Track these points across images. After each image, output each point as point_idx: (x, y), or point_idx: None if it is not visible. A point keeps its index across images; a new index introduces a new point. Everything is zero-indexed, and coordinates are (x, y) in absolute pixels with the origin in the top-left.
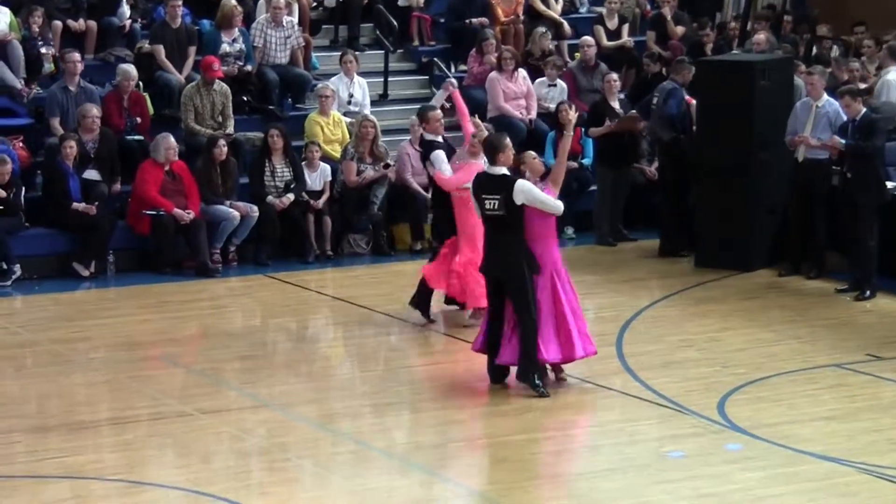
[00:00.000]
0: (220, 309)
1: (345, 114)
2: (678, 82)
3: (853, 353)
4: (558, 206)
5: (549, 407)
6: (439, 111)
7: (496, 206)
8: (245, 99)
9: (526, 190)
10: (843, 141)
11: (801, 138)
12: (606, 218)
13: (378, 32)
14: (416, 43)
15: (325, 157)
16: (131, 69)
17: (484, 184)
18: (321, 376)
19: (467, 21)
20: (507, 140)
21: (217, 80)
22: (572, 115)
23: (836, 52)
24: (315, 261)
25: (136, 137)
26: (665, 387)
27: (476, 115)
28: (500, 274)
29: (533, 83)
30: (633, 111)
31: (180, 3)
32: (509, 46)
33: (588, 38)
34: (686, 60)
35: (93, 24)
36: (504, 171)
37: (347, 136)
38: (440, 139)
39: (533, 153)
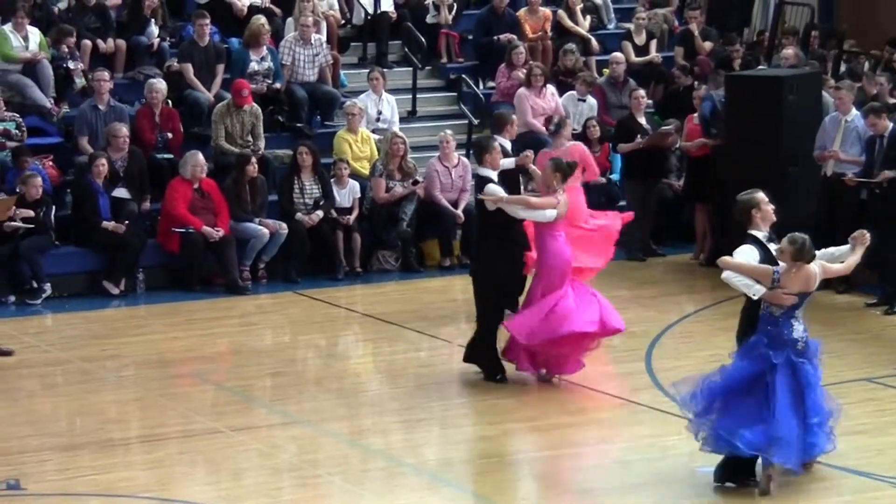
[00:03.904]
0: (249, 326)
1: (373, 131)
2: None
3: (883, 368)
4: (524, 213)
5: (580, 423)
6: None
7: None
8: (279, 119)
9: (491, 192)
10: (893, 173)
11: (831, 153)
12: (636, 233)
13: (406, 49)
14: (444, 60)
15: (354, 174)
16: (158, 82)
17: (477, 184)
18: (351, 393)
19: (495, 38)
20: (496, 143)
21: None
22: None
23: (867, 67)
24: (344, 277)
25: (166, 156)
26: None
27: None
28: (476, 268)
29: (561, 98)
30: (670, 126)
31: (208, 21)
32: (538, 62)
33: (617, 55)
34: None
35: (122, 42)
36: (488, 172)
37: (376, 152)
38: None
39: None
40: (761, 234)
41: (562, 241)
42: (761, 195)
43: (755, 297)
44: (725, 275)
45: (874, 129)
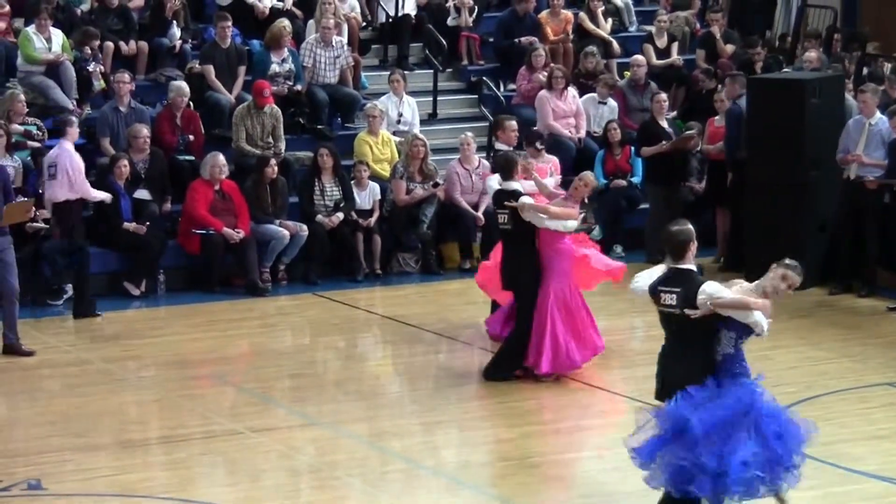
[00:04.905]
0: (269, 327)
1: (394, 133)
2: None
3: None
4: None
5: (600, 425)
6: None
7: (506, 220)
8: (300, 121)
9: (522, 202)
10: None
11: (855, 157)
12: (658, 235)
13: (427, 52)
14: (465, 62)
15: (374, 176)
16: (183, 85)
17: (497, 199)
18: (370, 395)
19: (516, 40)
20: (518, 156)
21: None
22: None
23: (889, 70)
24: (364, 279)
25: (187, 158)
26: None
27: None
28: (511, 285)
29: (581, 98)
30: (692, 130)
31: (230, 23)
32: (559, 65)
33: (638, 57)
34: None
35: (144, 44)
36: (516, 185)
37: (396, 155)
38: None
39: (590, 174)
40: (696, 268)
41: (569, 249)
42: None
43: (764, 335)
44: (757, 316)
45: None
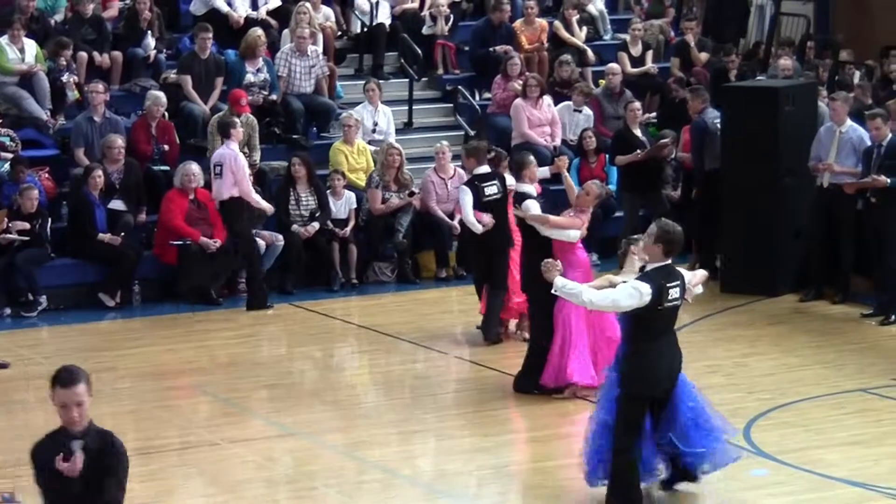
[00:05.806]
0: (246, 338)
1: (369, 142)
2: None
3: (878, 378)
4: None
5: (577, 433)
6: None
7: (518, 221)
8: (276, 131)
9: (525, 208)
10: (888, 179)
11: (826, 166)
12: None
13: (402, 61)
14: (441, 71)
15: (350, 186)
16: (161, 95)
17: (515, 200)
18: (347, 404)
19: (491, 49)
20: (531, 157)
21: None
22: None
23: (858, 77)
24: (340, 289)
25: (163, 168)
26: None
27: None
28: (524, 289)
29: (557, 107)
30: (666, 139)
31: (210, 35)
32: (534, 73)
33: (613, 66)
34: None
35: (118, 54)
36: (529, 188)
37: (372, 164)
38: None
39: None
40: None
41: (582, 254)
42: None
43: None
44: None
45: (876, 135)
